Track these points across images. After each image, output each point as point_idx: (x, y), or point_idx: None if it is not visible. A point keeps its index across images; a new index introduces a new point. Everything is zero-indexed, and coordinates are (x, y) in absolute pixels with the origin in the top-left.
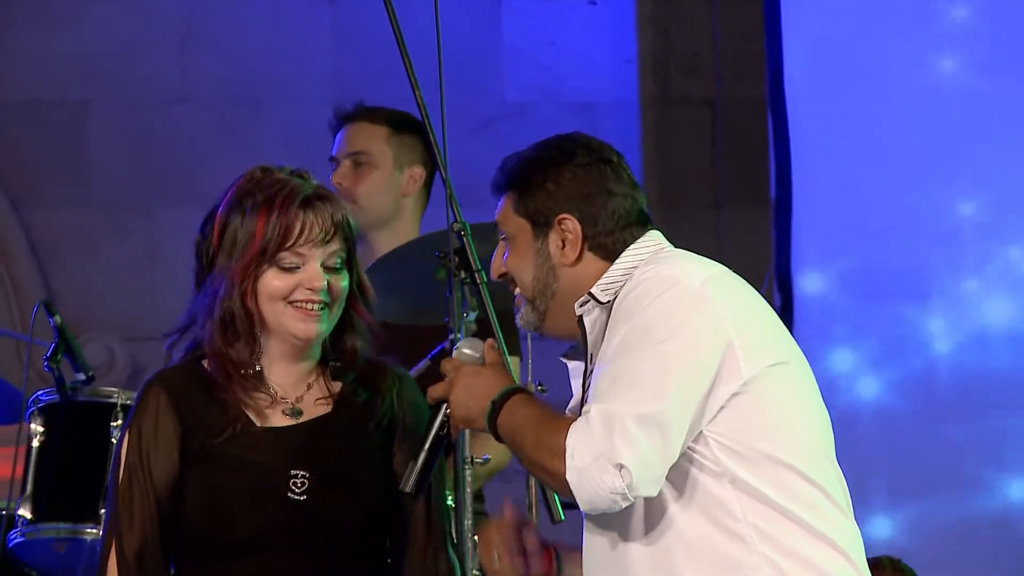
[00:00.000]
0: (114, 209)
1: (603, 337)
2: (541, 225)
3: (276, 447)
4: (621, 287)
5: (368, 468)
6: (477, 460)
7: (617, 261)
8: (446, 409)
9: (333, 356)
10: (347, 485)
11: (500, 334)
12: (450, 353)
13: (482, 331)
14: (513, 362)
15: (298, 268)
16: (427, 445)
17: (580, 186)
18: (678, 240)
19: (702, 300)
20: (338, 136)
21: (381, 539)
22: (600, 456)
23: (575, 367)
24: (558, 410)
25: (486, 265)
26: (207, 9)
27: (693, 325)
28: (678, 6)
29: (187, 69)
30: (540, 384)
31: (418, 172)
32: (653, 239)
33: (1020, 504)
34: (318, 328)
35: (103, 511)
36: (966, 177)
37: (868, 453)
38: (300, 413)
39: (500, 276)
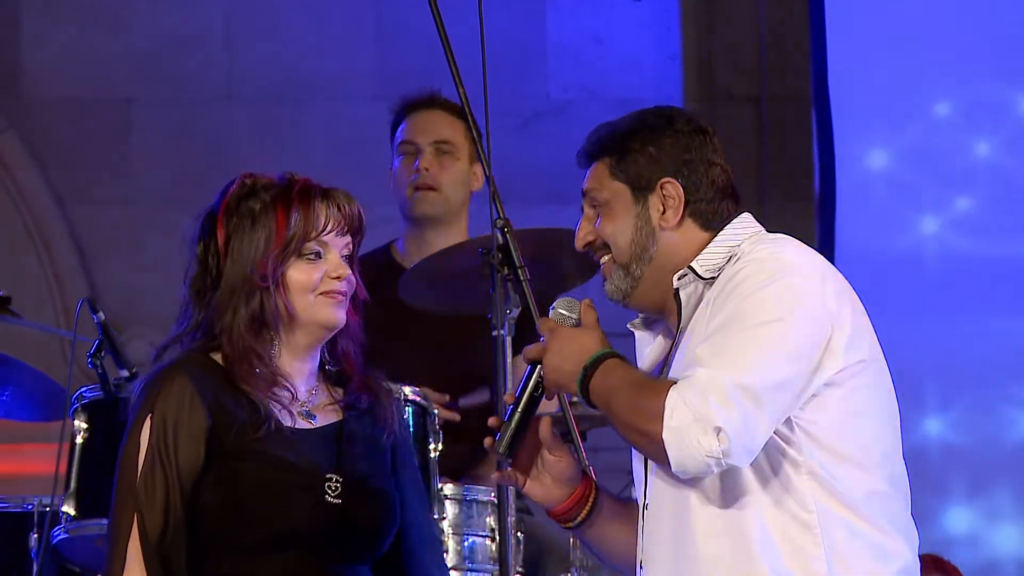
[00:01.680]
0: (157, 206)
1: (698, 312)
2: (641, 189)
3: (308, 449)
4: (724, 264)
5: (383, 478)
6: None
7: (718, 237)
8: (540, 370)
9: (329, 360)
10: (373, 492)
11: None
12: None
13: (524, 327)
14: None
15: (320, 257)
16: (521, 406)
17: (682, 152)
18: None
19: (813, 289)
20: (409, 122)
21: (386, 547)
22: (699, 418)
23: (643, 336)
24: (652, 376)
25: (527, 262)
26: (250, 6)
27: (803, 311)
28: (722, 3)
29: (230, 66)
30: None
31: (479, 169)
32: (751, 220)
33: None
34: (343, 316)
35: None
36: None
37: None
38: (314, 416)
39: (587, 245)
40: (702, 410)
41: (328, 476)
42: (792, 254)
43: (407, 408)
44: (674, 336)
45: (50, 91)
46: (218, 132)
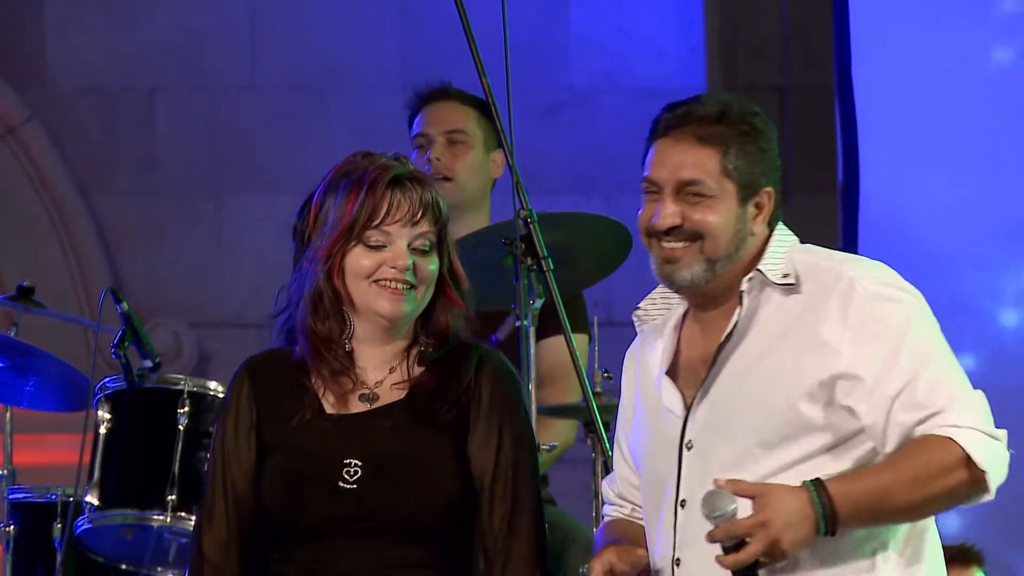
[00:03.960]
0: (181, 196)
1: (766, 314)
2: (749, 193)
3: (334, 435)
4: (792, 272)
5: (431, 455)
6: (543, 447)
7: (772, 244)
8: (762, 559)
9: (424, 339)
10: (402, 474)
11: (566, 320)
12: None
13: (547, 316)
14: (581, 340)
15: (384, 247)
16: None
17: (775, 158)
18: None
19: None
20: (423, 115)
21: (444, 528)
22: (992, 436)
23: (652, 328)
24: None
25: (552, 252)
26: None
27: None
28: None
29: (255, 57)
30: (606, 371)
31: (500, 157)
32: (787, 230)
33: None
34: (403, 308)
35: (170, 498)
36: None
37: None
38: (376, 399)
39: (674, 228)
40: (986, 429)
41: (347, 462)
42: (892, 275)
43: None
44: (679, 335)
45: (74, 81)
46: (242, 122)
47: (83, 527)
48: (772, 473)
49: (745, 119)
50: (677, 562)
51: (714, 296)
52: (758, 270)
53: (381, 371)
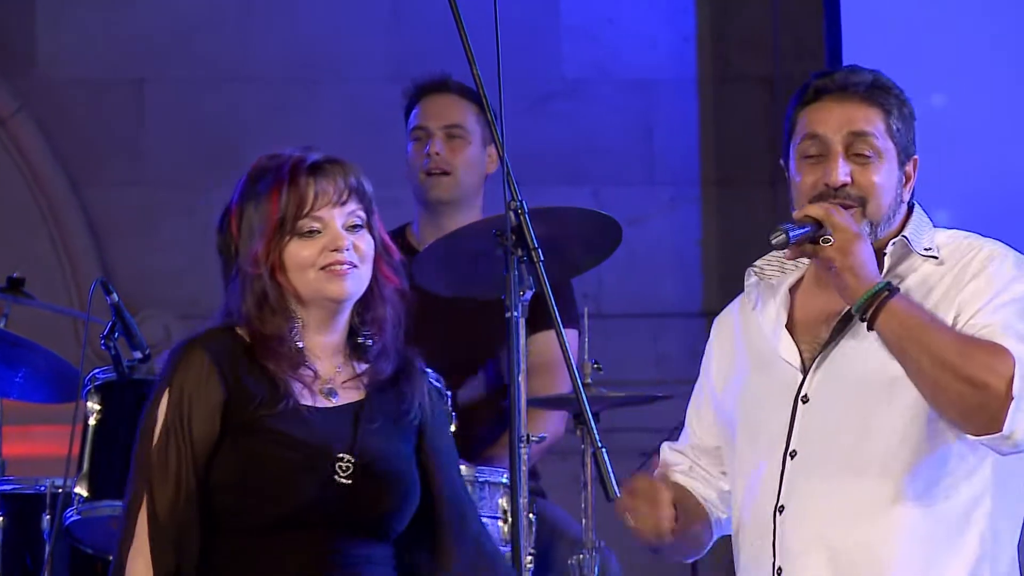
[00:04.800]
0: (171, 187)
1: (913, 282)
2: (904, 155)
3: (322, 428)
4: (934, 246)
5: (402, 459)
6: (533, 438)
7: (914, 218)
8: (828, 234)
9: (362, 332)
10: (386, 473)
11: (556, 313)
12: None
13: (538, 309)
14: (571, 334)
15: (319, 232)
16: (805, 230)
17: (914, 134)
18: (735, 218)
19: None
20: (421, 107)
21: (399, 529)
22: None
23: (768, 282)
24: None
25: (542, 243)
26: None
27: None
28: None
29: (244, 48)
30: (596, 363)
31: (494, 152)
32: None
33: None
34: (351, 287)
35: None
36: None
37: None
38: (335, 394)
39: (843, 186)
40: None
41: (340, 456)
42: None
43: None
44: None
45: (63, 72)
46: (232, 113)
47: (72, 518)
48: (889, 432)
49: (894, 86)
50: (780, 509)
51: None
52: (904, 237)
53: (332, 363)
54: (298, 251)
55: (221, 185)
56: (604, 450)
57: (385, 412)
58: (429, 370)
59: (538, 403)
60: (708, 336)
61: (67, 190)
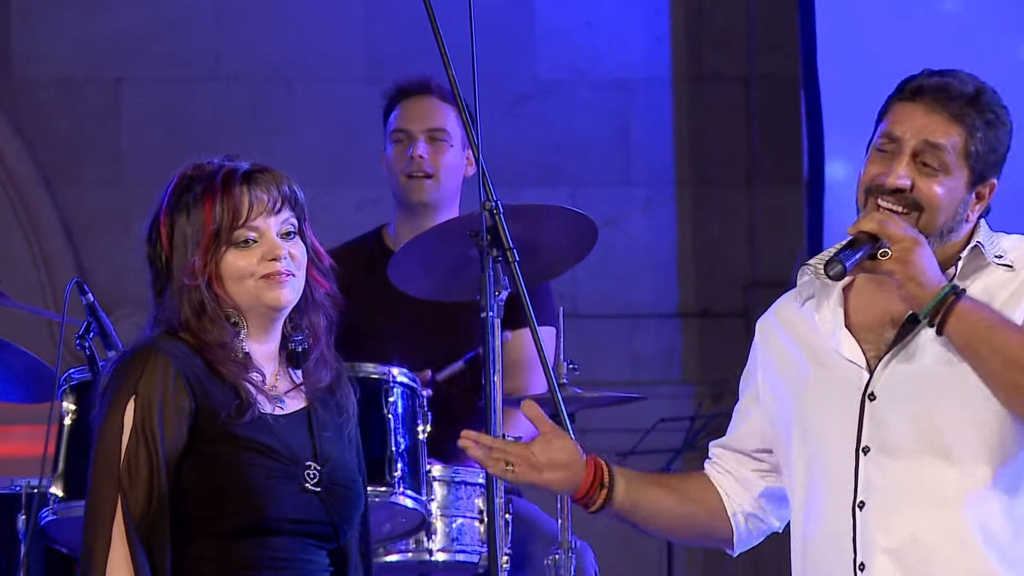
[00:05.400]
0: (146, 186)
1: (983, 286)
2: (979, 179)
3: (286, 435)
4: (1005, 253)
5: (353, 468)
6: (509, 438)
7: (980, 228)
8: (883, 247)
9: (295, 338)
10: (346, 482)
11: (532, 313)
12: (482, 360)
13: (513, 309)
14: (548, 332)
15: (255, 242)
16: (864, 248)
17: (1004, 152)
18: (711, 217)
19: None
20: (402, 109)
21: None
22: None
23: (825, 284)
24: None
25: (517, 244)
26: None
27: None
28: None
29: (220, 47)
30: (572, 363)
31: (470, 154)
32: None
33: None
34: (289, 295)
35: None
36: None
37: None
38: (282, 401)
39: (897, 190)
40: None
41: (308, 464)
42: None
43: (395, 389)
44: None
45: (39, 71)
46: (207, 112)
47: (47, 518)
48: (964, 427)
49: (995, 107)
50: (860, 505)
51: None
52: (979, 243)
53: (272, 371)
54: (235, 261)
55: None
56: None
57: (331, 421)
58: (403, 368)
59: (514, 403)
60: (683, 337)
61: (42, 190)
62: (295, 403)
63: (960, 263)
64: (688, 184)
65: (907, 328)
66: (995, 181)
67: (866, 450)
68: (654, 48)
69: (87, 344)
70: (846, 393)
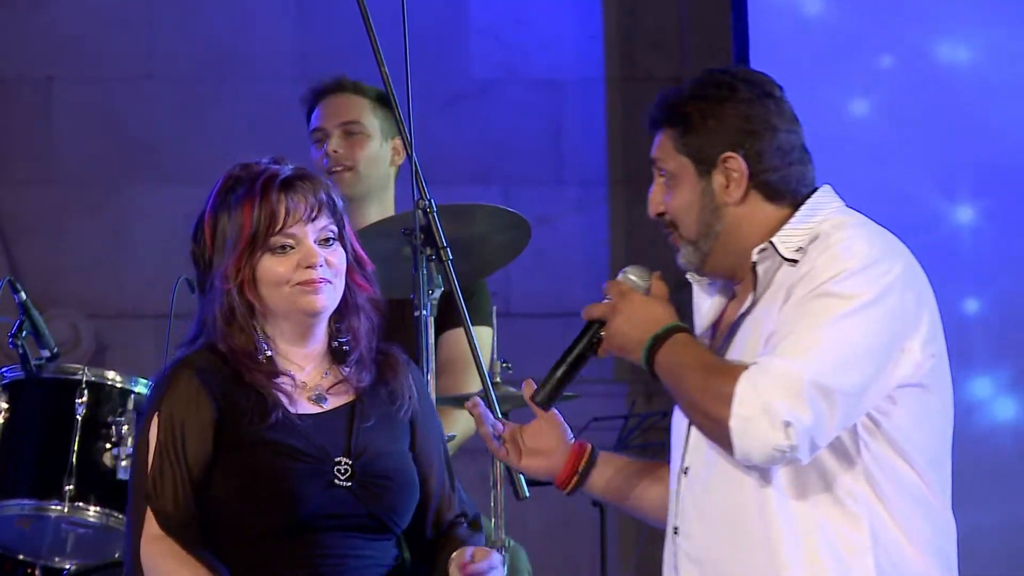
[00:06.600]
0: (79, 186)
1: (772, 290)
2: (705, 164)
3: (317, 434)
4: (806, 246)
5: (398, 456)
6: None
7: (798, 215)
8: (598, 329)
9: (340, 339)
10: (384, 472)
11: (465, 311)
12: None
13: (447, 308)
14: (484, 332)
15: (292, 248)
16: (570, 359)
17: (743, 122)
18: (643, 217)
19: (893, 286)
20: (319, 109)
21: (401, 525)
22: (768, 410)
23: (701, 290)
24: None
25: (451, 242)
26: None
27: (887, 308)
28: None
29: (153, 46)
30: (505, 361)
31: (399, 144)
32: (830, 194)
33: None
34: (324, 302)
35: (67, 488)
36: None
37: None
38: (324, 399)
39: (659, 215)
40: (773, 403)
41: (337, 460)
42: (880, 245)
43: None
44: (731, 298)
45: None
46: (140, 112)
47: None
48: None
49: (691, 92)
50: (675, 530)
51: (731, 271)
52: (771, 243)
53: (318, 371)
54: (272, 267)
55: (129, 184)
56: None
57: (378, 411)
58: None
59: (448, 401)
60: None
61: None
62: (340, 398)
63: (756, 268)
64: (621, 184)
65: (725, 336)
66: (735, 154)
67: (687, 471)
68: (587, 47)
69: (20, 343)
70: None
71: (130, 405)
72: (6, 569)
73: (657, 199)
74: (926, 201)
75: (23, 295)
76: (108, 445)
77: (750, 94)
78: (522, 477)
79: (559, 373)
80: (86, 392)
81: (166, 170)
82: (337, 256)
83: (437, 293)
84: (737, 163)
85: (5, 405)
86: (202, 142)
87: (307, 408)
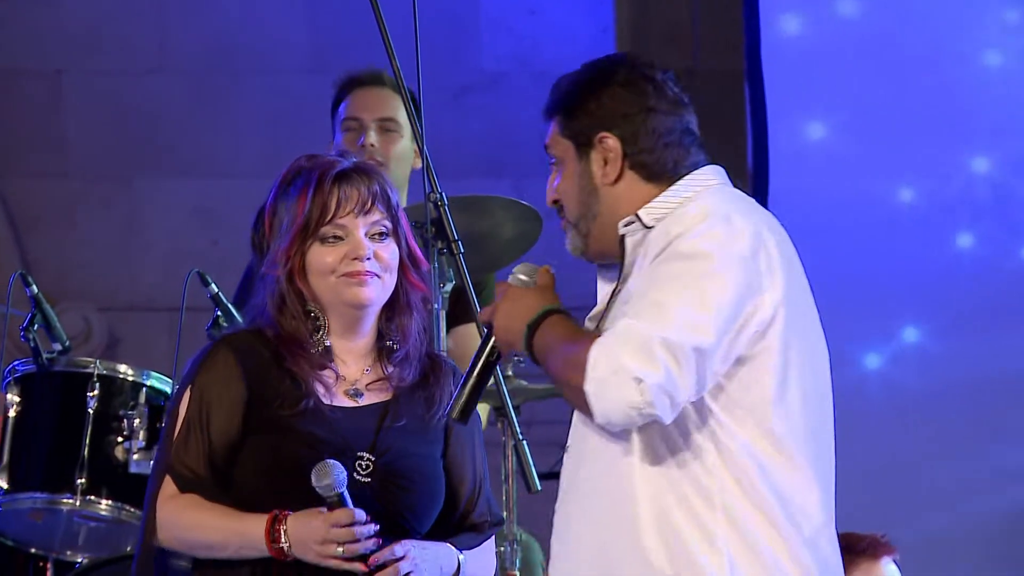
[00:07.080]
0: (91, 179)
1: (636, 259)
2: (583, 145)
3: (344, 427)
4: (670, 213)
5: (424, 459)
6: None
7: (673, 188)
8: (490, 333)
9: (389, 336)
10: (407, 473)
11: (476, 303)
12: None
13: (458, 302)
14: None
15: (342, 240)
16: (477, 370)
17: (620, 104)
18: None
19: (751, 248)
20: (354, 98)
21: (421, 529)
22: (620, 369)
23: (601, 281)
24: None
25: (462, 235)
26: None
27: (737, 271)
28: None
29: (164, 38)
30: (517, 355)
31: (416, 146)
32: (713, 173)
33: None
34: (371, 295)
35: (79, 481)
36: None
37: None
38: (361, 395)
39: (553, 203)
40: (624, 362)
41: (360, 455)
42: (734, 209)
43: None
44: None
45: None
46: (151, 104)
47: None
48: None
49: (574, 78)
50: (567, 448)
51: (611, 253)
52: (636, 216)
53: (359, 366)
54: (320, 257)
55: (141, 177)
56: (525, 443)
57: (412, 413)
58: None
59: None
60: None
61: None
62: (377, 395)
63: (626, 242)
64: None
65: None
66: (610, 134)
67: (568, 448)
68: (598, 40)
69: (31, 336)
70: None
71: (142, 398)
72: (19, 562)
73: (551, 187)
74: None
75: (35, 288)
76: (120, 438)
77: (628, 77)
78: (534, 470)
79: (469, 385)
80: (98, 385)
81: (177, 163)
82: (388, 251)
83: (449, 287)
84: (612, 143)
85: (17, 398)
86: (213, 135)
87: (342, 401)
